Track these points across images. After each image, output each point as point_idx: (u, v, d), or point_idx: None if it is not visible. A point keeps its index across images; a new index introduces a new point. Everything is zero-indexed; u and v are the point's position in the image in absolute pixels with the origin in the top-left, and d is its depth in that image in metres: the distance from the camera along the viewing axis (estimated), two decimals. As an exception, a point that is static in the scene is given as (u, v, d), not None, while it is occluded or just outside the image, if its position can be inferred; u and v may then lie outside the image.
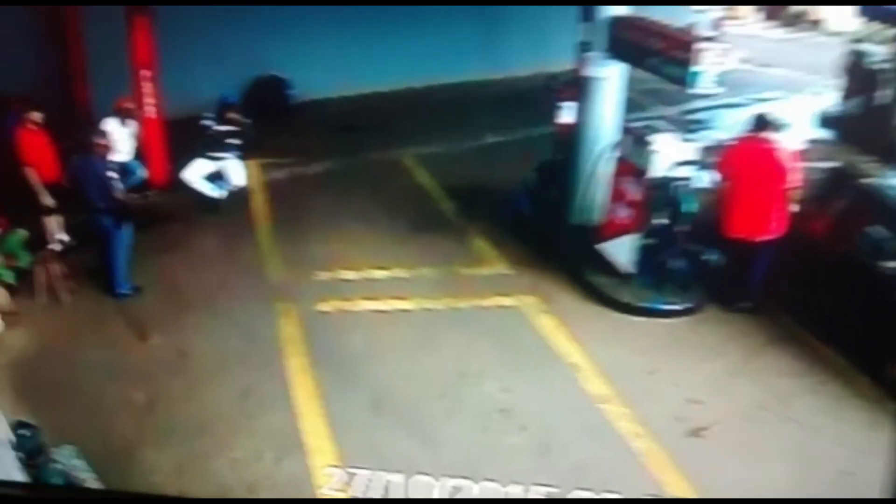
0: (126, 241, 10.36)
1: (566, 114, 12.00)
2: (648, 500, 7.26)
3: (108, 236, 10.25)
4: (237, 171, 12.45)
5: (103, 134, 10.49)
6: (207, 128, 12.21)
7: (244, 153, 12.50)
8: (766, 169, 9.94)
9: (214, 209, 12.31)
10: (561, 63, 13.36)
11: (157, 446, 8.15)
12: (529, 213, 12.29)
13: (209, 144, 12.31)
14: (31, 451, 7.48)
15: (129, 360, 9.38)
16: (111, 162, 10.28)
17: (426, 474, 7.26)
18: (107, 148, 10.29)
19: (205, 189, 12.24)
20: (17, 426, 7.55)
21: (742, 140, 10.37)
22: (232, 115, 12.32)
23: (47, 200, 10.88)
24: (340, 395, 8.81)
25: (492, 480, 7.23)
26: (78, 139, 10.37)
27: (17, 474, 7.08)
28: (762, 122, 10.09)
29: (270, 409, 8.65)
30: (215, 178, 12.30)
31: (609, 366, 9.37)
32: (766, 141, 9.99)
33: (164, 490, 7.72)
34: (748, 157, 10.09)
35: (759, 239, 10.08)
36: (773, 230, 10.03)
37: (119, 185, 10.25)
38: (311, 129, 13.75)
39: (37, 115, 10.80)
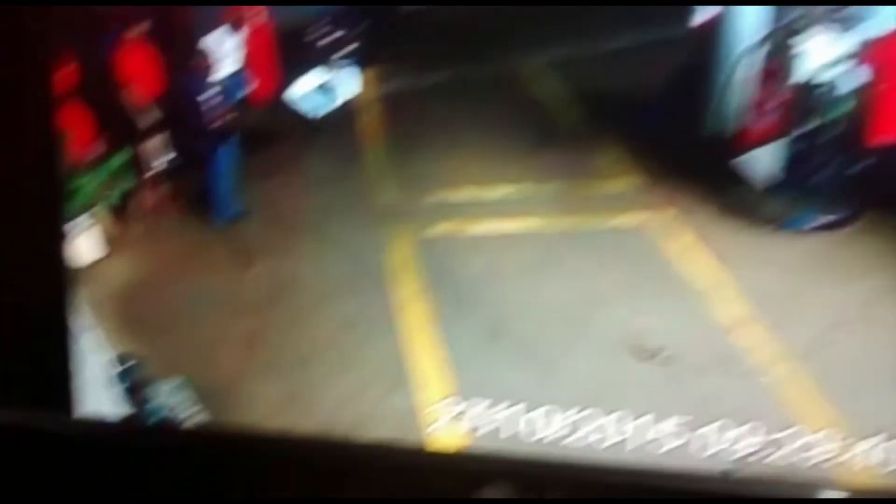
0: (229, 164, 10.00)
1: (704, 12, 11.27)
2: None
3: (209, 159, 9.94)
4: (350, 82, 12.04)
5: (203, 51, 10.09)
6: (320, 35, 11.84)
7: (360, 61, 12.13)
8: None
9: (320, 126, 11.91)
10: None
11: (262, 378, 7.97)
12: (662, 123, 11.54)
13: (321, 52, 11.88)
14: (135, 383, 7.51)
15: (233, 288, 9.13)
16: (212, 80, 9.96)
17: (549, 405, 6.96)
18: (208, 66, 9.93)
19: (309, 109, 11.89)
20: (121, 358, 7.54)
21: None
22: (346, 19, 11.97)
23: (147, 121, 10.53)
24: (454, 323, 8.40)
25: (619, 411, 6.91)
26: (178, 53, 10.13)
27: (119, 407, 7.19)
28: None
29: (379, 338, 8.33)
30: (324, 90, 11.96)
31: (748, 287, 8.68)
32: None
33: (268, 423, 7.60)
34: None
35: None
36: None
37: (221, 105, 9.89)
38: (424, 36, 13.30)
39: (142, 26, 10.45)
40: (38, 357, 3.77)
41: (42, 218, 3.52)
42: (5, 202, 3.44)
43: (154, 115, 10.52)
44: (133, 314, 8.67)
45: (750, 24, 10.39)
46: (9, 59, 3.19)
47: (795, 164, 9.81)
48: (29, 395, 3.91)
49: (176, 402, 7.58)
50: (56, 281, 3.69)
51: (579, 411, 6.96)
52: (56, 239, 3.53)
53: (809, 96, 9.63)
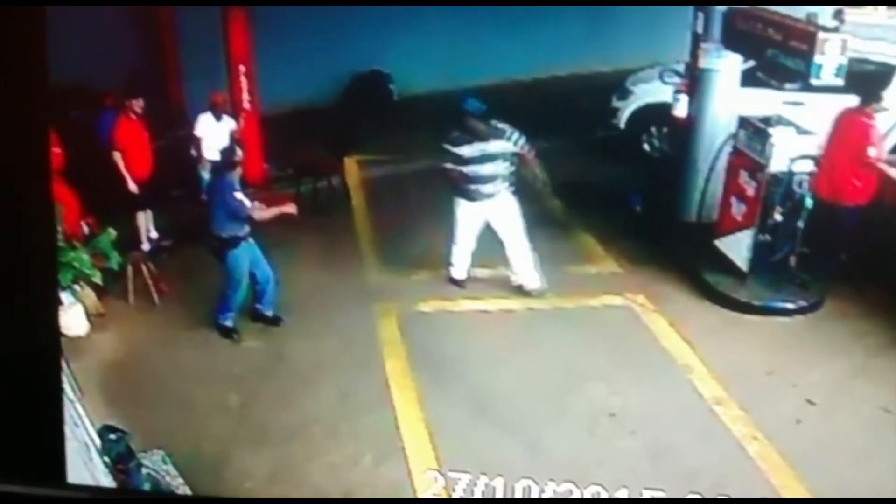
0: (242, 272, 9.52)
1: (681, 107, 11.58)
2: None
3: (222, 258, 9.49)
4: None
5: (235, 147, 9.59)
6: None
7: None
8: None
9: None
10: (673, 55, 12.94)
11: (251, 450, 7.89)
12: (641, 210, 11.85)
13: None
14: (118, 456, 7.33)
15: (222, 363, 9.15)
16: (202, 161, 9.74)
17: (529, 478, 7.00)
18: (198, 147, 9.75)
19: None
20: (104, 431, 7.41)
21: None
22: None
23: (132, 188, 10.76)
24: (441, 398, 8.44)
25: (599, 485, 6.97)
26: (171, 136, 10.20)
27: (104, 479, 6.93)
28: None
29: (369, 411, 8.34)
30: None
31: (724, 366, 8.84)
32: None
33: (257, 496, 7.52)
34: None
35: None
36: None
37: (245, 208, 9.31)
38: (413, 124, 13.44)
39: (138, 105, 10.68)
40: (30, 425, 3.81)
41: (36, 285, 3.61)
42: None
43: (141, 190, 10.77)
44: (118, 387, 8.64)
45: (724, 119, 10.77)
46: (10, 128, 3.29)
47: (768, 251, 10.13)
48: (21, 462, 3.92)
49: (160, 475, 7.51)
50: (49, 350, 3.76)
51: (561, 484, 7.03)
52: (49, 306, 3.61)
53: (780, 188, 9.97)
